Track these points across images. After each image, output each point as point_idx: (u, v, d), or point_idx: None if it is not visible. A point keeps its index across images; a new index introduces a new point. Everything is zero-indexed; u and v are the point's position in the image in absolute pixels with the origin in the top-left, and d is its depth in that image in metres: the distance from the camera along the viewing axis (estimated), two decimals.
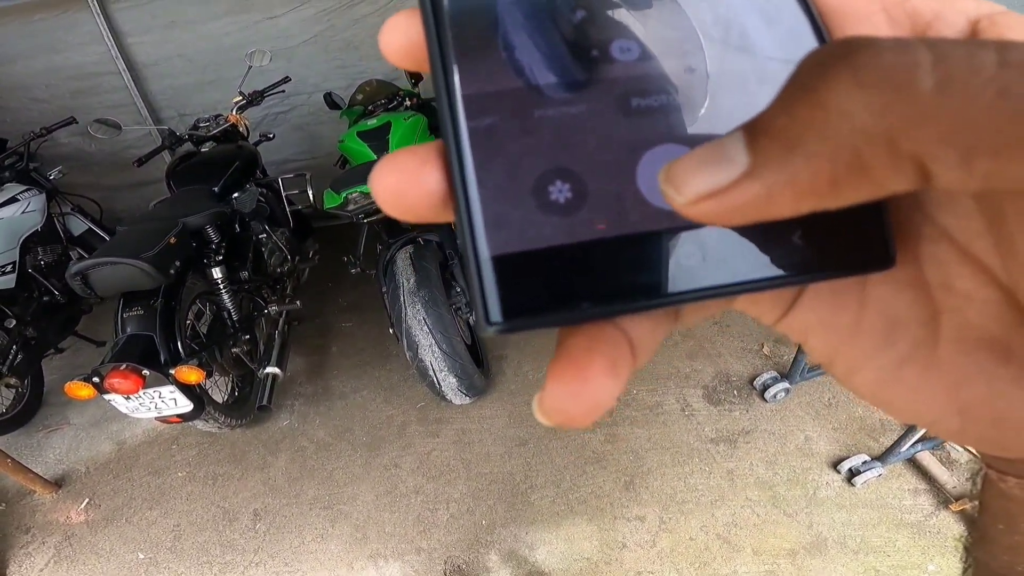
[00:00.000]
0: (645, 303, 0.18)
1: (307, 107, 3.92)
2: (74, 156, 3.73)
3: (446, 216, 0.18)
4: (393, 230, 2.58)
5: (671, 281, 0.18)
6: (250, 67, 3.03)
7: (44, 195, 3.06)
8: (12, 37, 3.55)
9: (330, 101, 3.22)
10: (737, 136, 0.15)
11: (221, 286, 2.45)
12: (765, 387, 2.40)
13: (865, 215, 0.18)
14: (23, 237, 2.87)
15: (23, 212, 2.88)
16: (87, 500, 2.50)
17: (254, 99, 3.07)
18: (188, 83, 3.79)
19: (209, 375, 2.35)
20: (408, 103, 3.11)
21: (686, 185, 0.15)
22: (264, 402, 2.54)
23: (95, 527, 2.39)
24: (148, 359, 1.98)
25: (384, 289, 2.41)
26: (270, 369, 2.56)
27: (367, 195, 2.13)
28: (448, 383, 2.37)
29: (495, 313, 0.17)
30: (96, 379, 1.89)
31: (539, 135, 0.18)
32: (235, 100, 3.04)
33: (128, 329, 2.07)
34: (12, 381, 2.72)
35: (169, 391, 1.99)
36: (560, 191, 0.18)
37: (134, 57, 3.70)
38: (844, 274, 0.19)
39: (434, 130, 3.11)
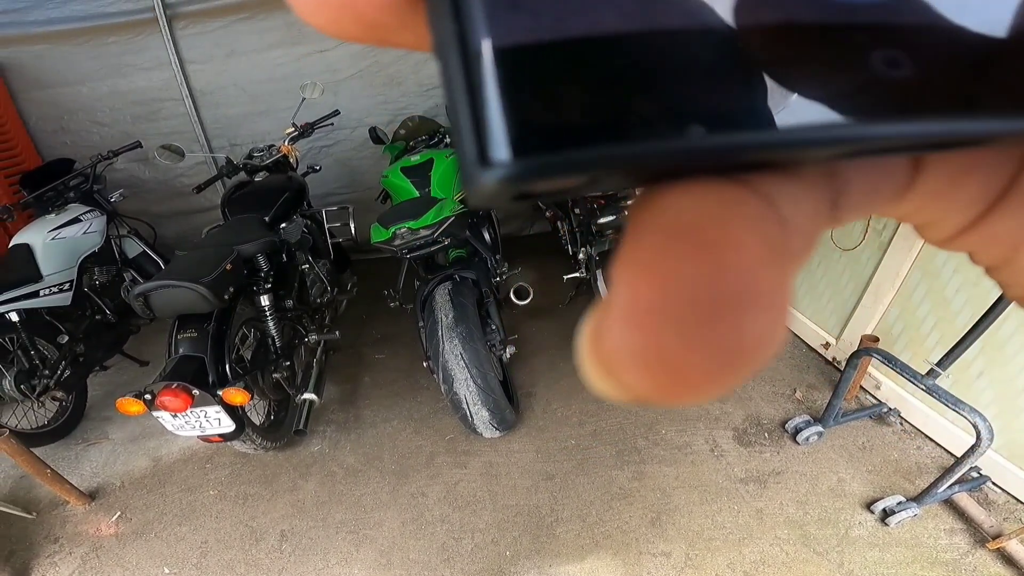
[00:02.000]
0: (780, 138, 0.11)
1: (350, 142, 4.21)
2: (127, 182, 4.03)
3: (407, 27, 0.12)
4: (431, 267, 2.74)
5: (850, 108, 0.11)
6: (304, 99, 3.29)
7: (105, 217, 3.32)
8: (83, 59, 3.89)
9: (374, 136, 3.47)
10: None
11: (268, 313, 2.64)
12: (797, 430, 2.47)
13: None
14: (82, 257, 3.12)
15: (84, 232, 3.14)
16: (119, 513, 2.65)
17: (305, 131, 3.32)
18: (240, 112, 4.11)
19: (251, 398, 2.51)
20: (449, 140, 3.33)
21: None
22: (300, 426, 2.70)
23: (124, 540, 2.53)
24: (198, 380, 2.17)
25: (421, 324, 2.57)
26: (307, 395, 2.73)
27: (414, 230, 2.30)
28: (480, 416, 2.50)
29: (499, 147, 0.11)
30: (148, 396, 2.07)
31: None
32: (287, 131, 3.29)
33: (181, 350, 2.26)
34: (59, 394, 2.93)
35: (215, 411, 2.16)
36: None
37: (192, 84, 4.02)
38: None
39: None
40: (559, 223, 3.76)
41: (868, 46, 0.11)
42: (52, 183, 3.18)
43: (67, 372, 2.97)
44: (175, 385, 2.06)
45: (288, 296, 2.82)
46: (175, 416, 2.13)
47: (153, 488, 2.76)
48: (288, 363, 2.75)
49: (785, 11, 0.11)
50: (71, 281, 3.02)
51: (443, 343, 2.39)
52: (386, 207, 3.00)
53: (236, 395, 2.15)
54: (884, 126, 0.11)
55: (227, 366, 2.28)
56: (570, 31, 0.10)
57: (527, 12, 0.11)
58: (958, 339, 1.92)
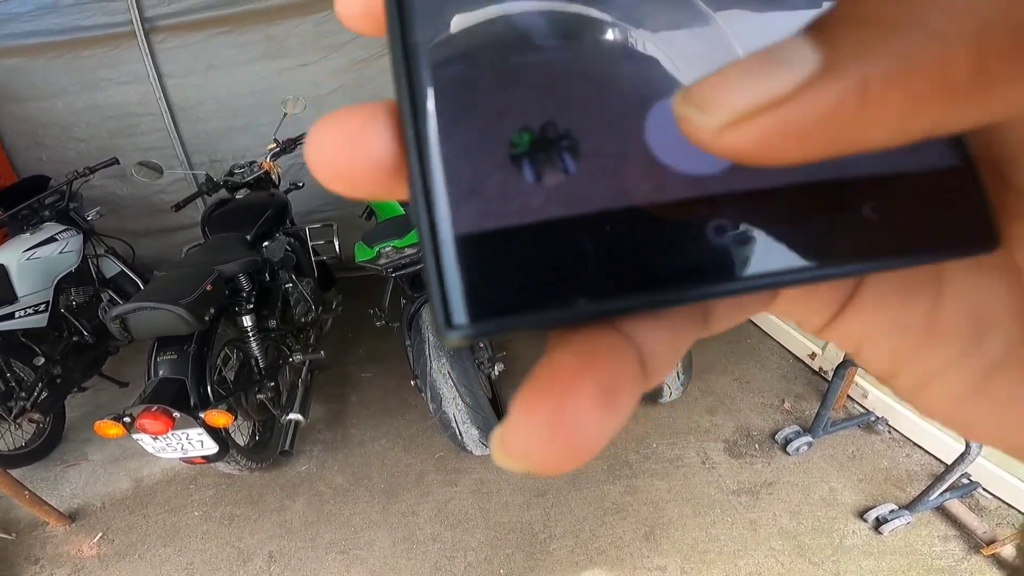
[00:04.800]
0: (655, 298, 0.15)
1: None
2: (104, 199, 3.96)
3: (397, 191, 0.16)
4: (418, 284, 2.74)
5: (692, 269, 0.15)
6: (285, 114, 3.29)
7: (81, 236, 3.28)
8: (58, 72, 3.85)
9: None
10: (796, 38, 0.12)
11: (250, 334, 2.63)
12: (787, 441, 2.51)
13: (959, 177, 0.15)
14: (58, 277, 3.07)
15: (60, 252, 3.09)
16: (100, 534, 2.61)
17: (287, 147, 3.31)
18: (219, 128, 4.08)
19: (234, 419, 2.50)
20: None
21: (719, 101, 0.12)
22: (286, 447, 2.68)
23: (107, 561, 2.49)
24: (178, 402, 2.14)
25: (408, 342, 2.57)
26: (293, 415, 2.72)
27: (399, 249, 2.32)
28: (470, 435, 2.50)
29: (459, 313, 0.14)
30: (127, 419, 2.04)
31: (519, 83, 0.15)
32: (269, 147, 3.28)
33: (161, 372, 2.24)
34: (35, 416, 2.87)
35: (197, 433, 2.14)
36: (545, 153, 0.15)
37: (171, 99, 4.00)
38: (933, 258, 0.16)
39: None
40: None
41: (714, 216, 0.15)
42: (27, 201, 3.14)
43: (44, 394, 2.93)
44: (155, 408, 2.03)
45: (271, 316, 2.81)
46: (156, 439, 2.11)
47: (135, 509, 2.72)
48: (272, 383, 2.74)
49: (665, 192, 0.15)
50: (47, 302, 2.97)
51: (431, 362, 2.40)
52: (371, 224, 3.02)
53: (219, 417, 2.13)
54: (725, 283, 0.15)
55: (209, 388, 2.26)
56: (506, 227, 0.14)
57: (481, 200, 0.14)
58: None
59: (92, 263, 3.41)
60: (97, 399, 3.38)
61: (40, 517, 2.61)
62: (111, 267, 3.53)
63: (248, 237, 2.82)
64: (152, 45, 3.82)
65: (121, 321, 2.13)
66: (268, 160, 3.26)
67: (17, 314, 2.81)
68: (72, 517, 2.69)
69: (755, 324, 3.46)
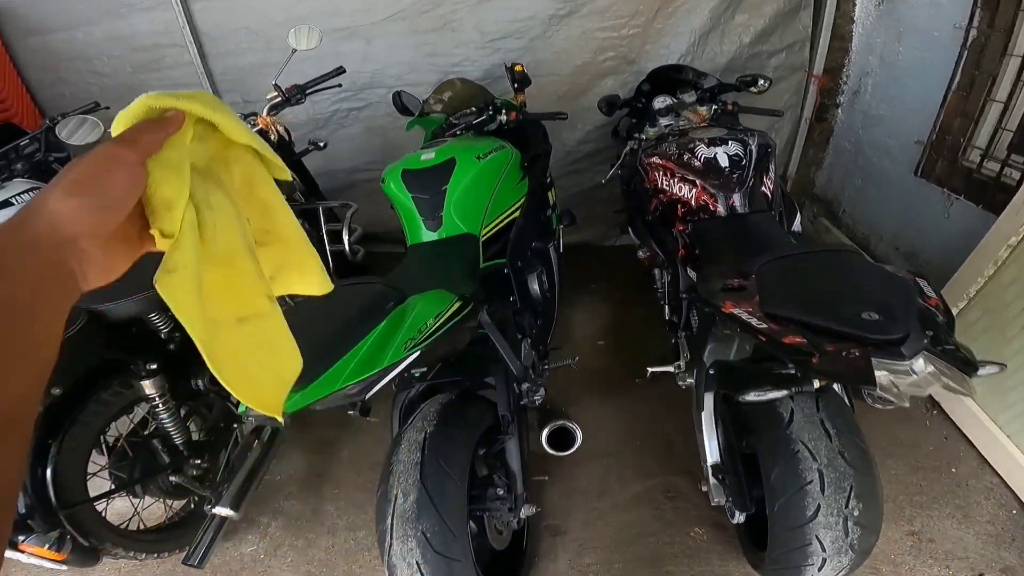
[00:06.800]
0: None
1: (385, 104, 3.25)
2: None
3: None
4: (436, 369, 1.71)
5: None
6: (294, 51, 2.44)
7: None
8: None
9: (400, 104, 2.55)
10: None
11: (159, 404, 1.88)
12: None
13: None
14: None
15: None
16: None
17: (293, 97, 2.46)
18: (253, 63, 3.35)
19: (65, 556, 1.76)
20: (505, 118, 2.30)
21: None
22: (192, 561, 1.81)
23: None
24: None
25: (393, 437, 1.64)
26: (219, 509, 1.75)
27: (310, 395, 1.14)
28: None
29: None
30: None
31: None
32: (269, 96, 2.46)
33: None
34: None
35: (23, 557, 1.55)
36: None
37: (198, 27, 3.31)
38: None
39: (528, 168, 2.27)
40: (659, 270, 2.47)
41: None
42: None
43: None
44: None
45: (199, 374, 2.04)
46: None
47: None
48: (199, 460, 2.03)
49: None
50: None
51: (391, 538, 1.38)
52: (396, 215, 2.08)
53: (41, 552, 1.53)
54: None
55: (51, 496, 1.60)
56: None
57: None
58: None
59: None
60: None
61: None
62: None
63: None
64: None
65: None
66: (265, 115, 2.45)
67: None
68: None
69: (972, 443, 2.17)
